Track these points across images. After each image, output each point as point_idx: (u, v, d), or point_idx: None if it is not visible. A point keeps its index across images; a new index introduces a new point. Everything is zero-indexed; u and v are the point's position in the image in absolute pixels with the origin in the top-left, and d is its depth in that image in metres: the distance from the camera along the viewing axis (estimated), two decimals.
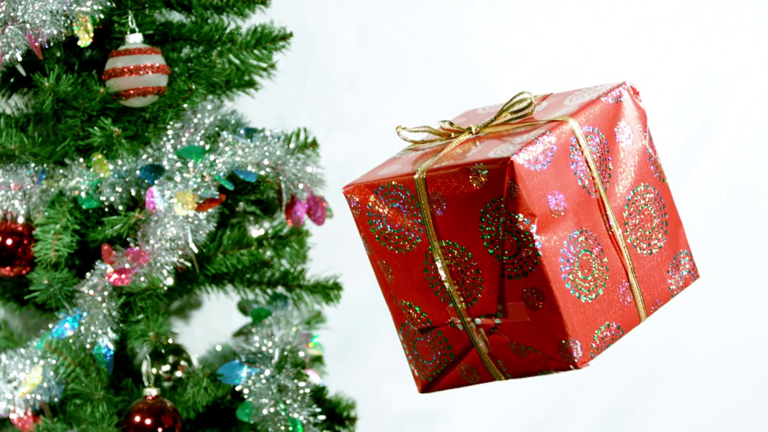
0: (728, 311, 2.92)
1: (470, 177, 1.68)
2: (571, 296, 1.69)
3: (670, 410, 2.94)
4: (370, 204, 1.80)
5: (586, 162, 1.70)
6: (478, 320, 1.76)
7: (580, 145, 1.70)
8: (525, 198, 1.66)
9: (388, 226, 1.80)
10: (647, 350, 2.93)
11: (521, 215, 1.66)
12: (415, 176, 1.73)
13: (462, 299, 1.76)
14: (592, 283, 1.71)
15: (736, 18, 2.83)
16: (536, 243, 1.66)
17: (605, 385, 2.95)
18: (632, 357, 2.94)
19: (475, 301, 1.75)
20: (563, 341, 1.70)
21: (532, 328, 1.72)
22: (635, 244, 1.74)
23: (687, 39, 2.84)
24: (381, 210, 1.79)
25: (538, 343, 1.72)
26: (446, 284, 1.76)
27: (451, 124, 1.81)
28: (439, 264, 1.76)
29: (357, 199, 1.80)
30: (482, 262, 1.72)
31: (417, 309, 1.82)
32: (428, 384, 1.86)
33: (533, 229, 1.66)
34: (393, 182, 1.76)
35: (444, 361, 1.83)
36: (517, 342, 1.74)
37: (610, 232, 1.72)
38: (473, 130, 1.78)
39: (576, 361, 1.71)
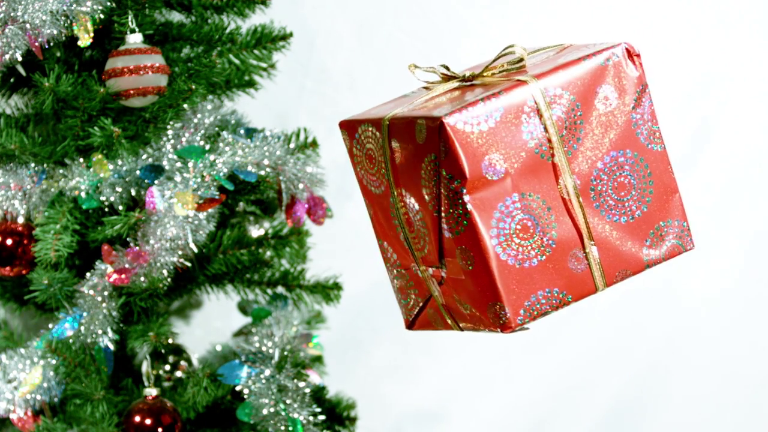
0: (728, 311, 2.92)
1: (415, 130, 1.68)
2: (501, 260, 1.67)
3: (670, 411, 2.94)
4: (355, 141, 1.80)
5: (545, 125, 1.68)
6: (430, 270, 1.76)
7: (538, 108, 1.68)
8: (456, 158, 1.65)
9: (366, 165, 1.80)
10: (647, 350, 2.93)
11: (452, 175, 1.65)
12: (382, 121, 1.74)
13: (417, 247, 1.77)
14: (531, 248, 1.68)
15: (736, 18, 2.83)
16: (466, 204, 1.65)
17: (605, 385, 2.95)
18: (632, 357, 2.94)
19: (424, 251, 1.75)
20: (491, 303, 1.69)
21: (467, 286, 1.71)
22: (603, 211, 1.71)
23: (687, 39, 2.84)
24: (361, 148, 1.80)
25: (472, 301, 1.72)
26: (405, 231, 1.77)
27: (447, 68, 1.79)
28: (397, 211, 1.77)
29: (346, 134, 1.81)
30: (425, 214, 1.72)
31: (390, 250, 1.83)
32: (410, 323, 1.86)
33: (463, 189, 1.65)
34: (368, 123, 1.77)
35: (416, 303, 1.83)
36: (458, 297, 1.74)
37: (568, 198, 1.70)
38: (465, 77, 1.77)
39: (502, 324, 1.70)
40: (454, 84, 1.78)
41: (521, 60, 1.74)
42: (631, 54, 1.72)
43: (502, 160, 1.67)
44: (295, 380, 2.28)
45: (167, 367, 2.40)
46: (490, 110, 1.66)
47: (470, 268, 1.69)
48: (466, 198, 1.66)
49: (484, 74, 1.76)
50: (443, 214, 1.68)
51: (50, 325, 2.26)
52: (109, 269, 2.20)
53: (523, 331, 1.73)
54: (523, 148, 1.68)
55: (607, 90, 1.71)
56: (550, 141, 1.68)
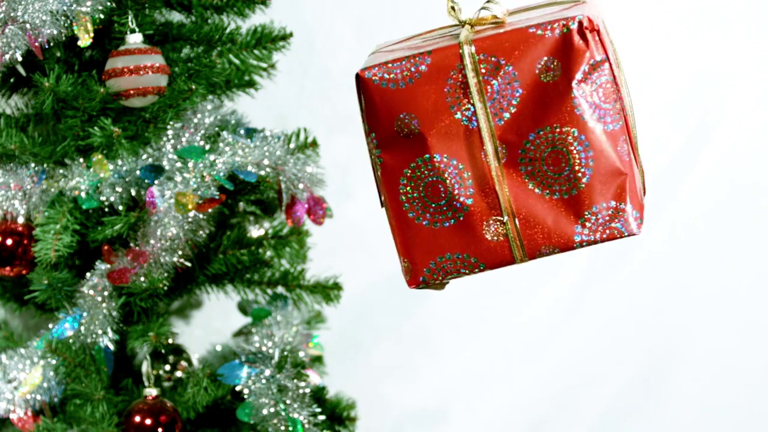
0: (728, 310, 2.92)
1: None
2: (408, 218, 1.68)
3: (670, 410, 2.94)
4: None
5: (471, 90, 1.65)
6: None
7: (464, 72, 1.65)
8: (369, 112, 1.67)
9: None
10: (647, 350, 2.93)
11: (368, 127, 1.68)
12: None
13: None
14: (441, 211, 1.68)
15: (736, 17, 2.83)
16: (377, 158, 1.68)
17: (605, 385, 2.94)
18: (632, 356, 2.94)
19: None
20: (399, 256, 1.70)
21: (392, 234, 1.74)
22: (533, 183, 1.67)
23: (686, 38, 2.84)
24: None
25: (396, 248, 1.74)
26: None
27: (453, 8, 1.76)
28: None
29: None
30: (369, 156, 1.75)
31: None
32: None
33: (375, 143, 1.68)
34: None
35: None
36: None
37: (488, 166, 1.67)
38: (463, 22, 1.74)
39: (407, 279, 1.71)
40: (446, 31, 1.76)
41: (496, 17, 1.71)
42: (583, 28, 1.64)
43: (418, 119, 1.66)
44: (295, 380, 2.28)
45: (167, 367, 2.40)
46: (414, 68, 1.66)
47: (388, 218, 1.71)
48: (377, 152, 1.68)
49: (475, 25, 1.73)
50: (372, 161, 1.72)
51: (50, 325, 2.26)
52: (109, 269, 2.20)
53: (437, 290, 1.74)
54: (445, 111, 1.66)
55: (551, 62, 1.65)
56: (475, 106, 1.66)
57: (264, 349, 2.32)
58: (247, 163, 2.25)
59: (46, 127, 2.35)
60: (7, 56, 2.10)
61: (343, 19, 2.84)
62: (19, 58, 2.11)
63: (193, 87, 2.21)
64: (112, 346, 2.25)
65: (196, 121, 2.31)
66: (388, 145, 1.67)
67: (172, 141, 2.28)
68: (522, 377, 2.95)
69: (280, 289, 2.50)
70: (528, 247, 1.69)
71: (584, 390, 2.95)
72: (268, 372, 2.27)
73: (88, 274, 2.23)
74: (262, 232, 2.47)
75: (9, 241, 2.25)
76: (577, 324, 2.94)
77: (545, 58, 1.65)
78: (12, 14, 2.10)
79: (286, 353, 2.33)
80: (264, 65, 2.45)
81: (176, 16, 2.41)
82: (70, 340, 2.24)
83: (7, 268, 2.27)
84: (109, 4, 2.17)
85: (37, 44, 2.11)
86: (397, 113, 1.66)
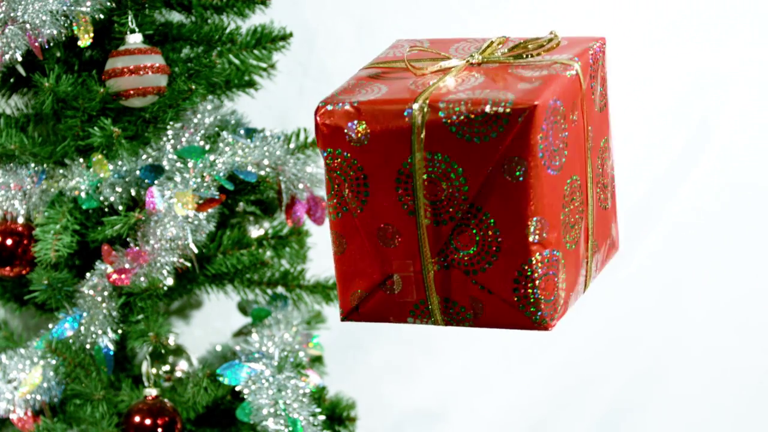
0: (728, 311, 2.92)
1: None
2: None
3: (670, 410, 2.94)
4: None
5: None
6: None
7: None
8: None
9: None
10: (647, 350, 2.93)
11: None
12: None
13: None
14: None
15: (737, 17, 2.83)
16: None
17: (605, 385, 2.95)
18: (632, 357, 2.94)
19: None
20: None
21: None
22: None
23: (686, 39, 2.84)
24: None
25: None
26: None
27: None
28: None
29: None
30: None
31: None
32: None
33: None
34: None
35: None
36: None
37: None
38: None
39: None
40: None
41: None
42: (321, 119, 1.69)
43: None
44: (295, 380, 2.28)
45: (167, 367, 2.40)
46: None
47: None
48: None
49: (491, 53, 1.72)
50: None
51: (50, 325, 2.26)
52: (109, 269, 2.20)
53: None
54: None
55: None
56: None
57: (264, 349, 2.32)
58: (247, 163, 2.25)
59: (46, 127, 2.35)
60: (7, 56, 2.10)
61: (343, 19, 2.84)
62: (19, 58, 2.11)
63: (193, 87, 2.21)
64: (112, 346, 2.25)
65: (196, 121, 2.31)
66: None
67: (172, 141, 2.28)
68: (522, 377, 2.95)
69: (280, 289, 2.50)
70: None
71: (584, 390, 2.95)
72: (268, 372, 2.27)
73: (88, 274, 2.23)
74: (262, 232, 2.47)
75: (9, 241, 2.25)
76: (577, 324, 2.94)
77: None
78: (12, 14, 2.10)
79: (286, 353, 2.33)
80: (264, 65, 2.45)
81: (176, 16, 2.41)
82: (70, 340, 2.24)
83: (7, 268, 2.27)
84: (109, 4, 2.17)
85: (37, 44, 2.11)
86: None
